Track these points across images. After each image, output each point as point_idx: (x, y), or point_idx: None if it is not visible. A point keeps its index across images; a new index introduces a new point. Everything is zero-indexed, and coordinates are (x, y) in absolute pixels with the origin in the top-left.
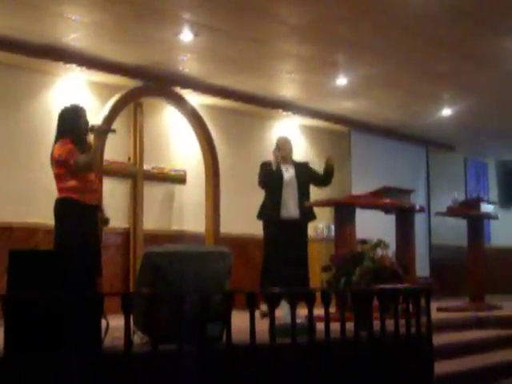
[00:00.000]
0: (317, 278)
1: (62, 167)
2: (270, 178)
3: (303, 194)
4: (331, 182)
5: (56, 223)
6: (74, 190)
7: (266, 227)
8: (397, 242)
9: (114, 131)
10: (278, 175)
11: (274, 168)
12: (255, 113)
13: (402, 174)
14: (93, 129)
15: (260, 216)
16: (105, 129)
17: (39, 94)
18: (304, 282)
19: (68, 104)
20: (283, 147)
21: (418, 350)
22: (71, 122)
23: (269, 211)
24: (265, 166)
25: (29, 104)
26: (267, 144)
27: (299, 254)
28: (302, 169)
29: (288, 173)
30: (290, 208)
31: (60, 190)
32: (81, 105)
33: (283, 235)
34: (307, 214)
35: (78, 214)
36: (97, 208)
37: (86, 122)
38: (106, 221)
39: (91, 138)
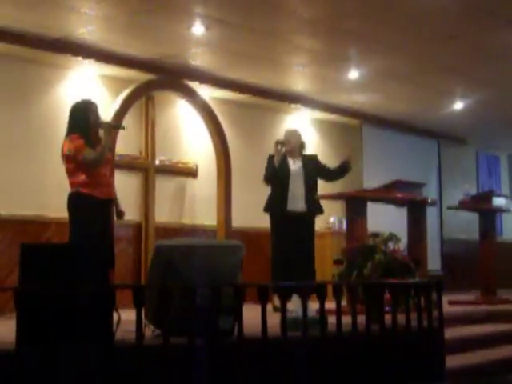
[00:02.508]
0: (328, 271)
1: (72, 162)
2: (273, 174)
3: (310, 187)
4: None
5: (69, 218)
6: (85, 185)
7: (272, 220)
8: (408, 236)
9: (123, 127)
10: (285, 168)
11: (277, 164)
12: (267, 106)
13: (413, 167)
14: (102, 124)
15: (266, 209)
16: (113, 125)
17: (51, 88)
18: (310, 277)
19: (79, 99)
20: (288, 140)
21: (430, 344)
22: (81, 117)
23: (275, 204)
24: (270, 160)
25: (41, 98)
26: (279, 137)
27: (305, 248)
28: (310, 162)
29: (295, 166)
30: (297, 201)
31: (71, 184)
32: (92, 99)
33: (289, 228)
34: (314, 208)
35: (89, 208)
36: (110, 202)
37: (97, 117)
38: (120, 214)
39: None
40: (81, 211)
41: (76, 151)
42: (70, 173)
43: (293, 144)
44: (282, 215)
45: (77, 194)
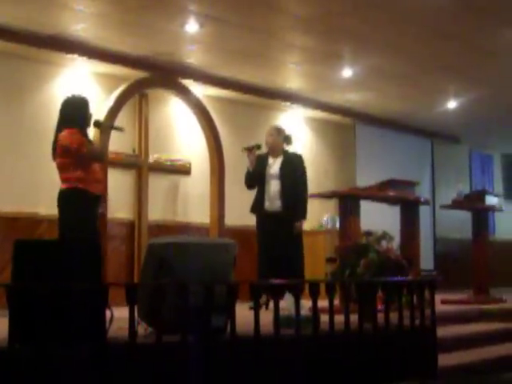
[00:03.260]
0: (321, 269)
1: (69, 157)
2: (250, 178)
3: (288, 186)
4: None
5: (62, 214)
6: (81, 180)
7: (256, 220)
8: (401, 235)
9: (120, 129)
10: (263, 169)
11: (251, 169)
12: (260, 104)
13: (406, 166)
14: (100, 125)
15: (251, 209)
16: (113, 126)
17: (44, 85)
18: (296, 276)
19: (74, 93)
20: (266, 141)
21: (422, 343)
22: (81, 112)
23: (256, 204)
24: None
25: (34, 95)
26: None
27: (286, 247)
28: (291, 161)
29: (274, 165)
30: (274, 201)
31: (65, 179)
32: (86, 96)
33: (269, 228)
34: (291, 208)
35: (84, 203)
36: (100, 198)
37: (91, 115)
38: (102, 212)
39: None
40: (77, 207)
41: (79, 145)
42: (64, 167)
43: (271, 143)
44: (262, 215)
45: (72, 189)
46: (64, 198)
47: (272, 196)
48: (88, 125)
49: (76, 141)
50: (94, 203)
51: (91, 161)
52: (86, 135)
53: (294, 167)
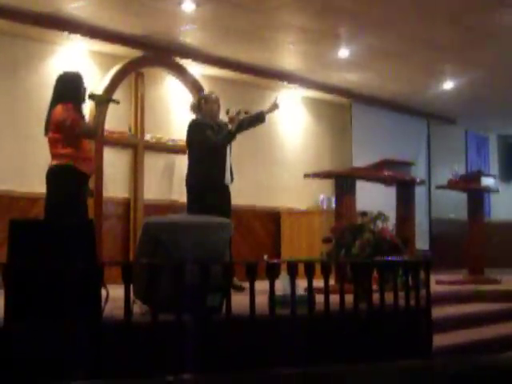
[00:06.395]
0: (317, 249)
1: (61, 132)
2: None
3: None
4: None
5: (50, 190)
6: (71, 157)
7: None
8: (397, 215)
9: (116, 102)
10: None
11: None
12: (257, 84)
13: (402, 146)
14: (94, 97)
15: (211, 183)
16: (107, 98)
17: (39, 64)
18: None
19: (68, 69)
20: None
21: (417, 323)
22: (74, 87)
23: (218, 177)
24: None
25: (28, 73)
26: (269, 115)
27: None
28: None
29: None
30: (227, 174)
31: (56, 155)
32: (80, 71)
33: (226, 202)
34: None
35: (73, 181)
36: (89, 176)
37: (85, 90)
38: (91, 192)
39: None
40: (66, 183)
41: (73, 121)
42: (56, 143)
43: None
44: (222, 189)
45: (63, 165)
46: (53, 175)
47: (227, 169)
48: (82, 100)
49: (70, 116)
50: (82, 181)
51: (83, 138)
52: (80, 110)
53: None
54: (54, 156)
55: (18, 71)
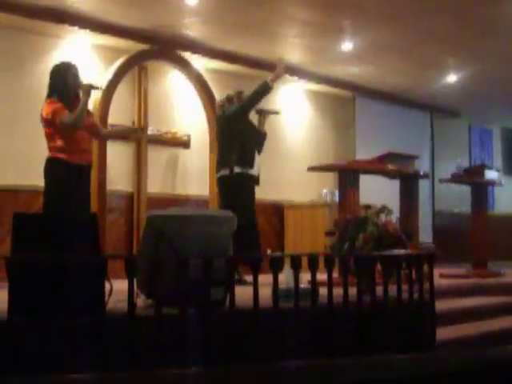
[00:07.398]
0: (320, 242)
1: (50, 126)
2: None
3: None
4: None
5: (45, 183)
6: (61, 150)
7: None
8: (400, 208)
9: (98, 88)
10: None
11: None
12: (260, 77)
13: (406, 139)
14: (81, 86)
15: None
16: (89, 85)
17: (43, 57)
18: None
19: (59, 62)
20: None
21: (421, 316)
22: (60, 79)
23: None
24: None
25: (32, 67)
26: (272, 109)
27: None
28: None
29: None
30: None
31: (50, 149)
32: (73, 62)
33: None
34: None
35: (64, 174)
36: (88, 168)
37: (77, 80)
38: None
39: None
40: (55, 177)
41: (53, 114)
42: (48, 137)
43: None
44: (251, 180)
45: (53, 159)
46: (45, 168)
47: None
48: (71, 90)
49: (52, 110)
50: (76, 173)
51: (64, 129)
52: (68, 102)
53: None
54: (48, 149)
55: (21, 65)
